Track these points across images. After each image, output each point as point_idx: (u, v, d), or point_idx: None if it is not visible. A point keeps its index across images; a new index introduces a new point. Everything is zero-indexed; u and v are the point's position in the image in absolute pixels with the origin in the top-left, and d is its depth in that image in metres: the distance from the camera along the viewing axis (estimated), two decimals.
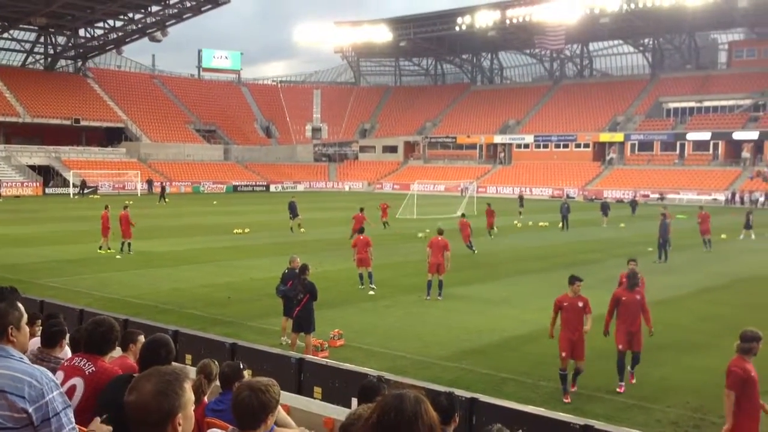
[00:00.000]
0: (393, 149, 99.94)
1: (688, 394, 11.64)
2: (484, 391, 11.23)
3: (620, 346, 11.81)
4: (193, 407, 2.72)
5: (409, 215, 45.88)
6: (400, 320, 16.85)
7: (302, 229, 36.70)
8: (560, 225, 39.91)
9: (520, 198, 48.61)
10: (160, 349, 4.68)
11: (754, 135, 73.57)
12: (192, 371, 5.75)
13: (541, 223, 42.77)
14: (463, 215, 32.23)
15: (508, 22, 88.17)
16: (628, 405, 10.91)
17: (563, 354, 11.46)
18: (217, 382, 5.58)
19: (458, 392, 8.31)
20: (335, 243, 31.59)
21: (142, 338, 5.64)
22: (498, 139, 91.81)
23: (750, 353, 8.03)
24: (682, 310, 17.92)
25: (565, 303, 11.61)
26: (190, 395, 2.70)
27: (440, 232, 19.90)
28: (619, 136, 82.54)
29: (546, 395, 11.58)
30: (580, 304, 11.52)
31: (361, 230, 22.11)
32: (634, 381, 11.96)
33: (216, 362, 5.67)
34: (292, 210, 36.97)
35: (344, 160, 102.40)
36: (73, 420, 3.28)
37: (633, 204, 51.64)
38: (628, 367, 11.99)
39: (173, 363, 4.79)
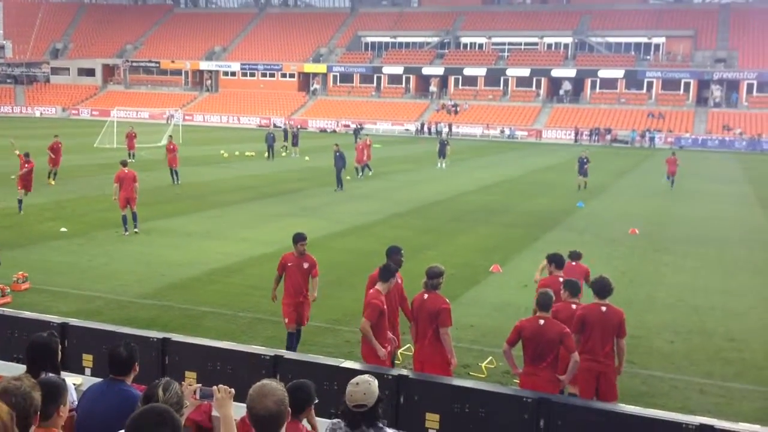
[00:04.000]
0: (90, 72, 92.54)
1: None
2: (183, 327, 11.30)
3: (287, 320, 10.36)
4: None
5: (108, 144, 43.29)
6: (95, 258, 16.10)
7: None
8: (266, 155, 40.51)
9: (442, 143, 40.52)
10: None
11: (440, 71, 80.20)
12: None
13: (247, 153, 42.98)
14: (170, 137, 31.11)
15: None
16: (322, 329, 11.66)
17: (287, 320, 10.30)
18: None
19: (151, 333, 8.30)
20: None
21: None
22: (204, 65, 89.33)
23: (438, 289, 8.26)
24: (371, 236, 19.39)
25: (290, 263, 10.27)
26: None
27: (124, 164, 19.06)
28: (322, 68, 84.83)
29: (244, 326, 11.93)
30: (306, 266, 10.28)
31: (26, 154, 21.71)
32: None
33: None
34: None
35: (33, 82, 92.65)
36: None
37: (356, 132, 55.70)
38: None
39: None
